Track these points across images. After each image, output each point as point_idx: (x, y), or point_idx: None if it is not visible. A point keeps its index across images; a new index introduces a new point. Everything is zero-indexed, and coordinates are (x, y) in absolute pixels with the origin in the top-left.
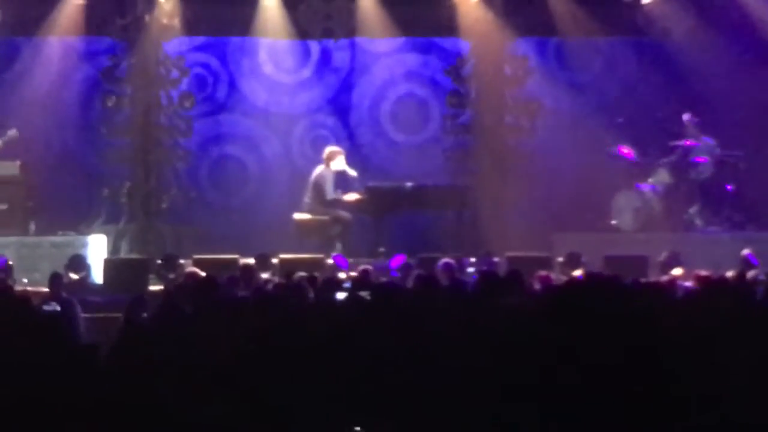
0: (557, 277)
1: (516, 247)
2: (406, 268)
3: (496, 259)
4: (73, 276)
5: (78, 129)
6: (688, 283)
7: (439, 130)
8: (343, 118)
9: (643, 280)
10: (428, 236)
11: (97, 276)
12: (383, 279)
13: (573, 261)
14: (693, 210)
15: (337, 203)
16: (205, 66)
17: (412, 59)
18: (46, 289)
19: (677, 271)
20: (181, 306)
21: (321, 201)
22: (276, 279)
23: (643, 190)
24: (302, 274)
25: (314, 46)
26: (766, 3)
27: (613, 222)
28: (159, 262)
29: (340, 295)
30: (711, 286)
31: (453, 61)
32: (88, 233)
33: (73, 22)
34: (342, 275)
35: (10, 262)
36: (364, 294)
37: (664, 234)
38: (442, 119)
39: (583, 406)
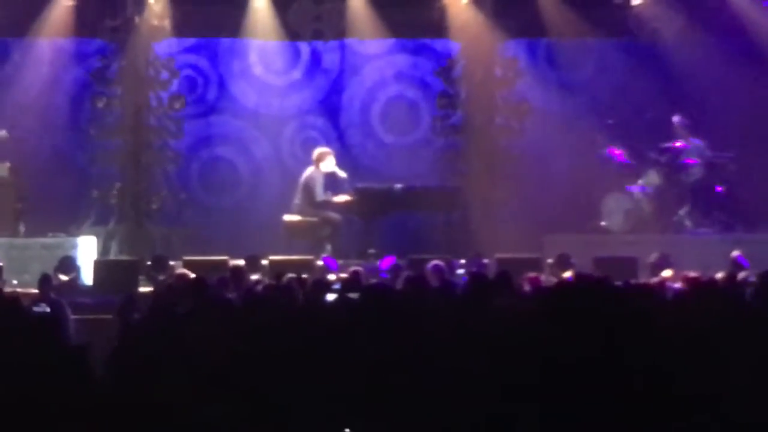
0: (547, 278)
1: (506, 249)
2: (395, 269)
3: (485, 261)
4: (63, 277)
5: (68, 130)
6: (678, 285)
7: (429, 131)
8: (333, 120)
9: (632, 281)
10: (418, 238)
11: (87, 277)
12: (373, 280)
13: (563, 262)
14: (683, 211)
15: (327, 205)
16: (195, 67)
17: (402, 60)
18: (36, 291)
19: (667, 273)
20: (172, 307)
21: (311, 202)
22: (266, 280)
23: (634, 192)
24: (292, 275)
25: (304, 48)
26: (756, 4)
27: (603, 223)
28: (149, 263)
29: (330, 297)
30: (700, 287)
31: (443, 63)
32: (78, 235)
33: (63, 23)
34: (332, 277)
35: (0, 264)
36: (354, 295)
37: (654, 235)
38: (432, 120)
39: (573, 406)
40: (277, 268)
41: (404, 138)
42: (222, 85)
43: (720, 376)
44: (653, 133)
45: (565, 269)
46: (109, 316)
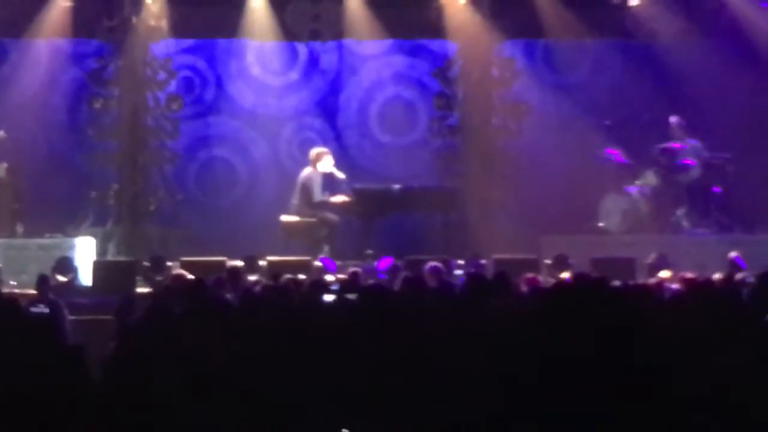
0: (545, 279)
1: (503, 249)
2: (393, 270)
3: (483, 261)
4: (61, 278)
5: (65, 131)
6: (675, 285)
7: (427, 132)
8: (330, 120)
9: (630, 282)
10: (416, 238)
11: (85, 278)
12: (371, 281)
13: (560, 263)
14: (680, 212)
15: (325, 205)
16: (193, 68)
17: (400, 61)
18: (34, 291)
19: (665, 273)
20: (170, 308)
21: (308, 203)
22: (263, 281)
23: (631, 193)
24: (289, 276)
25: (302, 48)
26: (753, 5)
27: (601, 224)
28: (146, 264)
29: (328, 298)
30: (697, 288)
31: (440, 63)
32: (76, 235)
33: (61, 24)
34: (329, 277)
35: None
36: (352, 296)
37: (652, 236)
38: (430, 121)
39: (571, 406)
40: (274, 269)
41: (401, 138)
42: (219, 85)
43: (718, 377)
44: (650, 133)
45: (562, 270)
46: (107, 317)
